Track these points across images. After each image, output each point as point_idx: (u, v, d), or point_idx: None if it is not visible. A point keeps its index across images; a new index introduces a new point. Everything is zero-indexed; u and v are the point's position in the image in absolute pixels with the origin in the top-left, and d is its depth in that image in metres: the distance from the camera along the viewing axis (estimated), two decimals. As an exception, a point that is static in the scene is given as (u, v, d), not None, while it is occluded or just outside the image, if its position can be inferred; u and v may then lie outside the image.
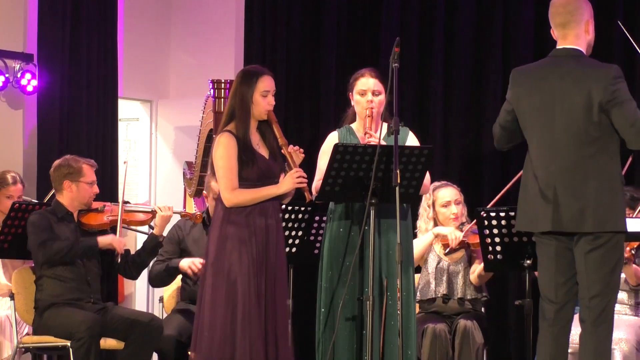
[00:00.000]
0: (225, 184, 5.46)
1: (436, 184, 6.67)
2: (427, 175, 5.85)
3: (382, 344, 5.75)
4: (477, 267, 6.54)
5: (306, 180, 5.49)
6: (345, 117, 6.05)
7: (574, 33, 5.02)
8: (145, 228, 6.92)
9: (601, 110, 4.87)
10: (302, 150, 5.54)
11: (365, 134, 5.79)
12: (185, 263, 6.49)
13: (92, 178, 6.40)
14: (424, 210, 6.68)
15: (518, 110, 5.07)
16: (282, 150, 5.52)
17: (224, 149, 5.46)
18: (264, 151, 5.53)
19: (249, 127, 5.50)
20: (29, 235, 6.29)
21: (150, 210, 6.51)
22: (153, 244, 6.45)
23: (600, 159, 4.90)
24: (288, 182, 5.48)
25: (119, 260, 6.38)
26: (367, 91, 5.84)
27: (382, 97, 5.82)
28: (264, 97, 5.48)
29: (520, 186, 5.11)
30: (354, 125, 5.96)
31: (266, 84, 5.50)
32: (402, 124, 5.65)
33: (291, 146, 5.53)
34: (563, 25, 5.04)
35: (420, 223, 6.69)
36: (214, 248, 5.48)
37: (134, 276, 6.65)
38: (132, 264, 6.46)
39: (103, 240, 6.32)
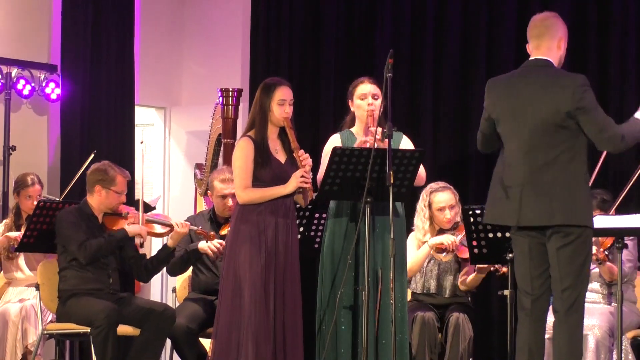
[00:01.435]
0: (239, 183, 5.53)
1: (434, 186, 6.64)
2: (422, 168, 5.85)
3: (377, 329, 5.75)
4: (467, 278, 6.54)
5: (309, 181, 5.51)
6: (344, 122, 6.05)
7: (546, 45, 5.02)
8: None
9: (569, 117, 4.87)
10: (307, 155, 5.58)
11: (365, 137, 5.78)
12: (204, 244, 6.43)
13: (123, 188, 6.36)
14: (421, 210, 6.64)
15: (494, 116, 5.07)
16: (294, 154, 5.55)
17: (241, 152, 5.54)
18: (282, 156, 5.58)
19: (267, 133, 5.54)
20: (63, 232, 6.24)
21: (168, 224, 6.45)
22: (166, 254, 6.44)
23: (567, 160, 4.90)
24: (292, 182, 5.52)
25: (142, 247, 6.36)
26: (367, 95, 5.85)
27: (380, 101, 5.81)
28: (280, 105, 5.53)
29: (492, 181, 5.09)
30: (354, 129, 5.97)
31: (282, 93, 5.54)
32: (395, 129, 5.64)
33: (301, 151, 5.55)
34: (538, 36, 5.04)
35: (417, 221, 6.65)
36: (229, 243, 5.56)
37: (145, 280, 6.68)
38: (144, 269, 6.45)
39: (131, 229, 6.29)
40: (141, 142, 6.92)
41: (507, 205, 4.96)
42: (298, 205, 5.96)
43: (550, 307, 5.07)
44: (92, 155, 6.88)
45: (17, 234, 6.78)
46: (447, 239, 6.44)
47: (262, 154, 5.51)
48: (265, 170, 5.50)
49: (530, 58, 5.06)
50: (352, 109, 5.97)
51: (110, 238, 6.25)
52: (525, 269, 5.03)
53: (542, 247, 4.98)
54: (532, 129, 4.92)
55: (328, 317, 5.80)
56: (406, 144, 5.97)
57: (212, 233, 6.44)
